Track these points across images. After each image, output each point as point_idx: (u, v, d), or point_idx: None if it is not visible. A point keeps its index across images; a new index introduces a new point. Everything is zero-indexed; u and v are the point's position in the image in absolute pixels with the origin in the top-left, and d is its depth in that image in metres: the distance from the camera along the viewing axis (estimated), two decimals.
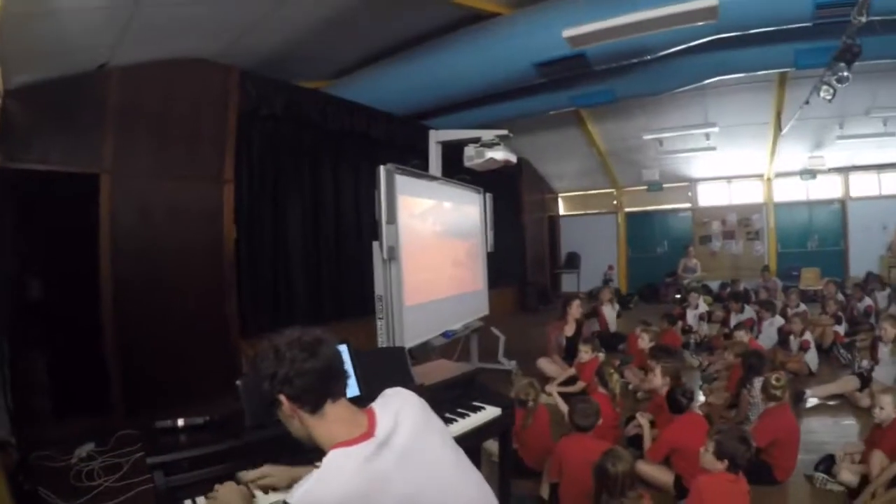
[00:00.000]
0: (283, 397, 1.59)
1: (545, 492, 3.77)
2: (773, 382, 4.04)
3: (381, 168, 4.90)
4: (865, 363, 5.91)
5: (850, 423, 5.07)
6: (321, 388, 1.59)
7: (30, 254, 5.50)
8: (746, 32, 6.25)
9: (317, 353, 1.60)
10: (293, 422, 1.65)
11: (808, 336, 6.64)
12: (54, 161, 5.06)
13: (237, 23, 5.44)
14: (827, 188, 13.45)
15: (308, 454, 1.80)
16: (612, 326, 8.81)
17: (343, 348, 2.50)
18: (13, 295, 5.22)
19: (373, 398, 1.74)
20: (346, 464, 1.49)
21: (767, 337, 7.40)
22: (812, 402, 5.59)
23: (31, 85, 4.86)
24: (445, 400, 2.99)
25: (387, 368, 2.85)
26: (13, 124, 4.71)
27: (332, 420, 1.61)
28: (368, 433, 1.57)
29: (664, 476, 3.82)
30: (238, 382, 2.51)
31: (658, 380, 4.46)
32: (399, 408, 1.67)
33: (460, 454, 1.74)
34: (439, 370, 3.50)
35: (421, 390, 2.05)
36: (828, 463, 3.92)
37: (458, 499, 1.62)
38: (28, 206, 5.25)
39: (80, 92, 5.19)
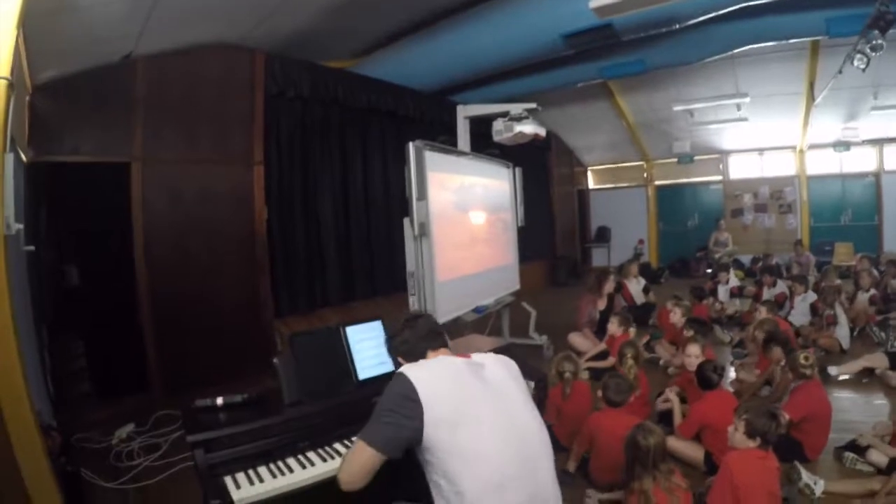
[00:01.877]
0: (399, 357, 2.23)
1: (572, 466, 3.80)
2: (802, 361, 4.02)
3: (411, 144, 4.91)
4: None
5: (881, 403, 4.99)
6: (420, 345, 2.20)
7: (66, 243, 5.63)
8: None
9: (414, 324, 2.25)
10: None
11: (836, 310, 6.51)
12: (85, 152, 5.13)
13: (259, 6, 5.43)
14: (861, 161, 12.98)
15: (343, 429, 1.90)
16: (638, 300, 8.72)
17: (377, 324, 3.02)
18: (51, 283, 5.36)
19: None
20: (446, 358, 2.11)
21: (800, 312, 7.31)
22: (844, 377, 5.51)
23: (59, 79, 4.95)
24: None
25: None
26: (43, 119, 4.82)
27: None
28: (466, 357, 2.11)
29: (694, 452, 3.84)
30: (275, 360, 2.58)
31: (694, 358, 4.46)
32: (485, 357, 2.15)
33: (534, 408, 2.10)
34: (472, 345, 3.54)
35: None
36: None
37: (529, 431, 1.99)
38: (62, 198, 5.34)
39: (107, 83, 5.26)
